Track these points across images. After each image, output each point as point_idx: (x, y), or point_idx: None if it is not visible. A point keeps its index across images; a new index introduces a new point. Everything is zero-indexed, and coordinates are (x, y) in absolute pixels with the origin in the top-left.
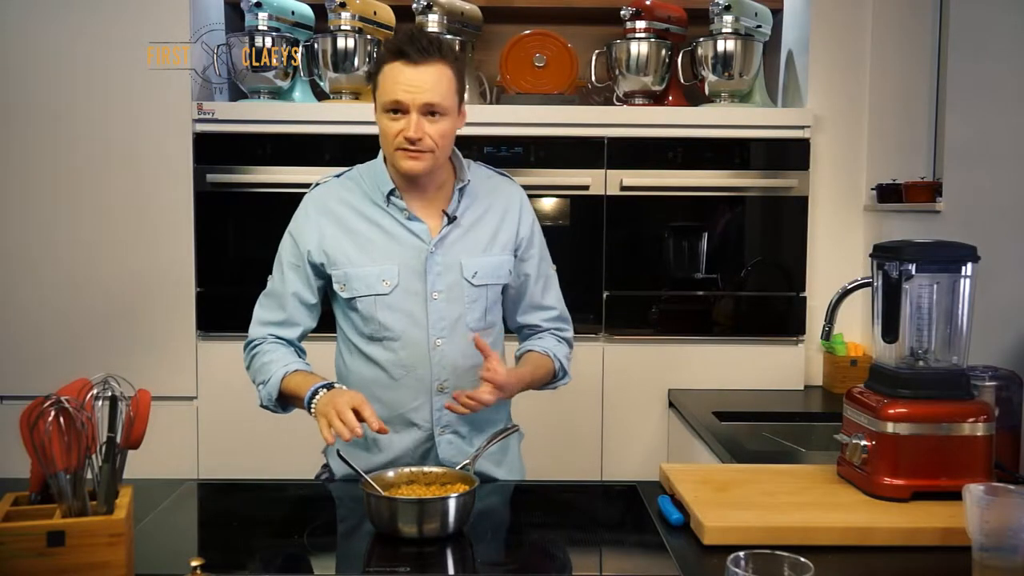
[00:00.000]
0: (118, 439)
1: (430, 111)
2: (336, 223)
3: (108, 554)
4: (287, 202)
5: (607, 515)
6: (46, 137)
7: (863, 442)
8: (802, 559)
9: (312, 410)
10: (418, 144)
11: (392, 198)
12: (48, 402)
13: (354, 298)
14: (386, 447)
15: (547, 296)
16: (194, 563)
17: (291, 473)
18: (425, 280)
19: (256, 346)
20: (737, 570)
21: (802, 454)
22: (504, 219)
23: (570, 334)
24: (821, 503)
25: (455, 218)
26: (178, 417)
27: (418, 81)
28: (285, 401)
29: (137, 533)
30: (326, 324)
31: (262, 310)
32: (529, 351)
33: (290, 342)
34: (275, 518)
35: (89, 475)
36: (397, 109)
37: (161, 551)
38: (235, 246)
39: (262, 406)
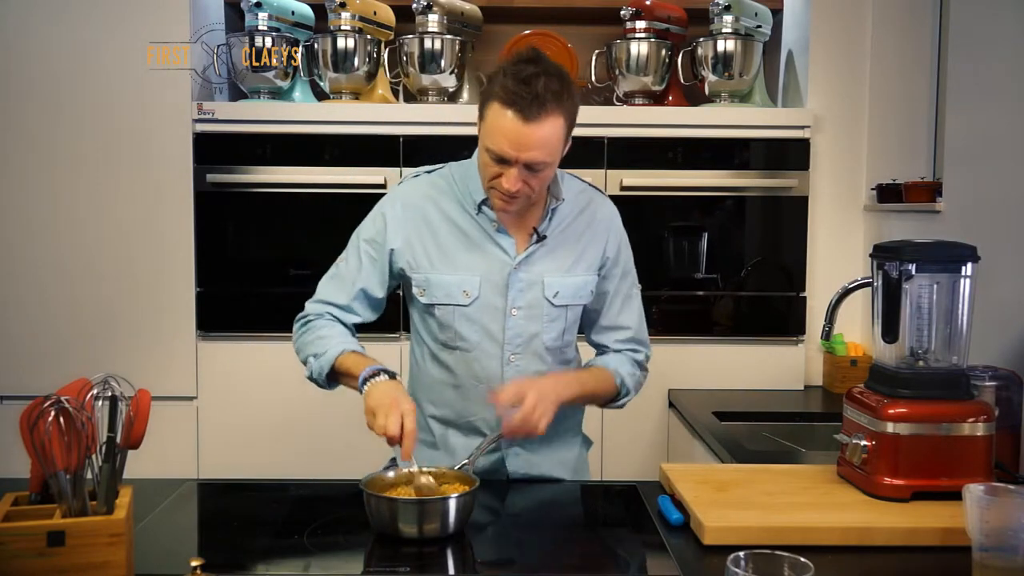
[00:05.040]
0: (118, 439)
1: (534, 167)
2: (424, 224)
3: (108, 554)
4: (287, 202)
5: (607, 515)
6: (45, 137)
7: (863, 442)
8: (802, 559)
9: (364, 390)
10: (514, 194)
11: (484, 207)
12: (48, 402)
13: (433, 305)
14: (451, 450)
15: (623, 316)
16: (194, 563)
17: (291, 473)
18: (506, 296)
19: (311, 320)
20: (737, 570)
21: (802, 454)
22: (593, 238)
23: (643, 356)
24: (821, 503)
25: (544, 237)
26: (178, 417)
27: (527, 140)
28: (334, 377)
29: (137, 533)
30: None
31: (327, 289)
32: (591, 364)
33: (346, 326)
34: (275, 518)
35: (89, 475)
36: (498, 156)
37: (161, 551)
38: (235, 246)
39: (309, 378)
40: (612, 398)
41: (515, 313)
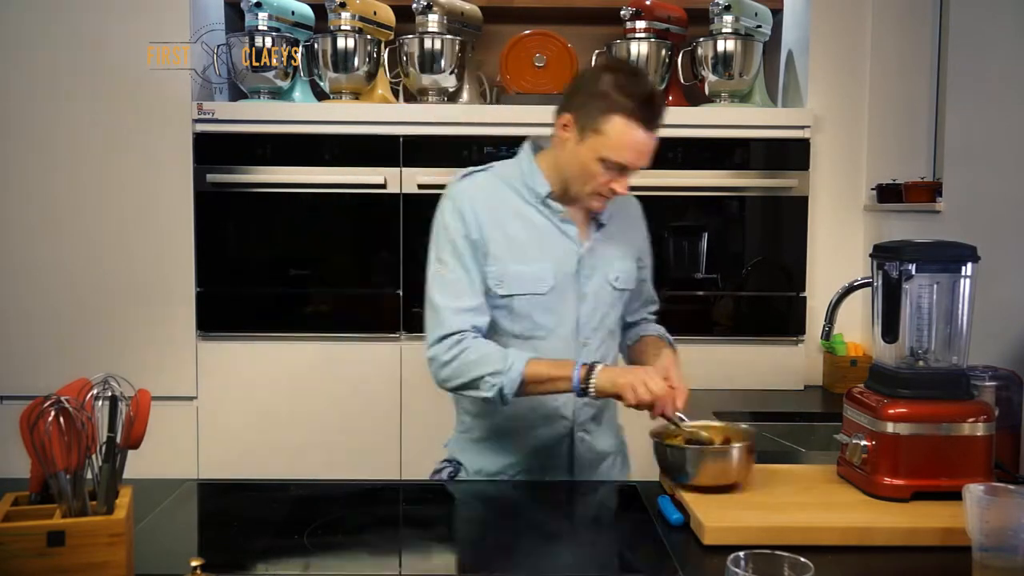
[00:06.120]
0: (118, 439)
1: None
2: (493, 218)
3: (108, 554)
4: (287, 202)
5: (607, 515)
6: (46, 137)
7: (863, 442)
8: (802, 559)
9: (593, 383)
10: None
11: (549, 200)
12: (48, 402)
13: (511, 296)
14: (522, 445)
15: (653, 291)
16: (194, 563)
17: (291, 473)
18: (577, 282)
19: (464, 339)
20: (737, 570)
21: (802, 454)
22: (633, 229)
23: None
24: (821, 503)
25: (603, 224)
26: (178, 417)
27: (648, 149)
28: (522, 389)
29: (137, 533)
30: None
31: (452, 298)
32: (642, 337)
33: (484, 334)
34: (275, 518)
35: (89, 475)
36: (619, 166)
37: (161, 551)
38: (235, 246)
39: (489, 399)
40: None
41: (587, 298)
